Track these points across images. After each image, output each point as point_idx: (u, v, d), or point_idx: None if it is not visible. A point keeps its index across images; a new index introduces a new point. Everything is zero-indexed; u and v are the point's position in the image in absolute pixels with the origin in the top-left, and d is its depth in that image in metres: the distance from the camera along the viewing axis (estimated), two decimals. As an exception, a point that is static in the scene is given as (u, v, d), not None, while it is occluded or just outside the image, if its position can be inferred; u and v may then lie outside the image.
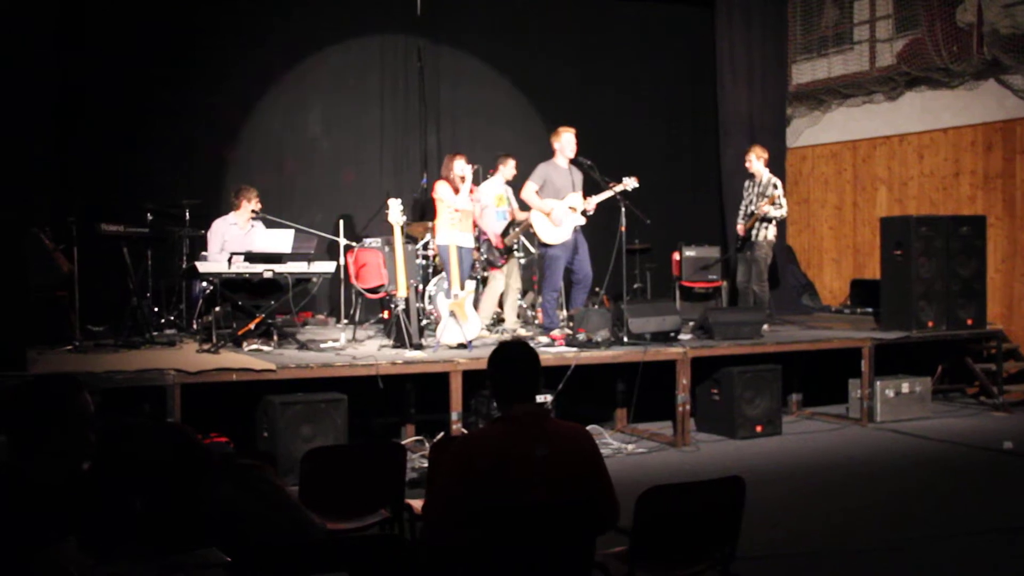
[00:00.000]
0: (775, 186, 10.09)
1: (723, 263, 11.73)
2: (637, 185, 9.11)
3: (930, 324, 9.78)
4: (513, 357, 3.58)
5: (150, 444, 3.35)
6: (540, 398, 7.73)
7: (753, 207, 10.20)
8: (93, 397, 3.04)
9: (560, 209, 8.92)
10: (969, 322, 9.98)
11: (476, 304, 9.77)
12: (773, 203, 9.96)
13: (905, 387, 9.58)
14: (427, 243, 9.73)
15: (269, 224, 9.28)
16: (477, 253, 9.73)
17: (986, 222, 10.34)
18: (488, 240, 9.63)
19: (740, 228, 10.34)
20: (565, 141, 9.05)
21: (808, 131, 13.24)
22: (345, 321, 9.58)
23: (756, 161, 10.28)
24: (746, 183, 10.43)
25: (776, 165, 12.73)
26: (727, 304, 11.49)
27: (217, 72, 10.48)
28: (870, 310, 10.88)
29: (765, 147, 10.49)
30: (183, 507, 3.16)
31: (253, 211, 9.30)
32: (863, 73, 12.20)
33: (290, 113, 11.05)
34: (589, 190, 9.26)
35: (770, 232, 10.09)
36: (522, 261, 10.06)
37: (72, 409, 2.97)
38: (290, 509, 3.35)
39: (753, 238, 10.14)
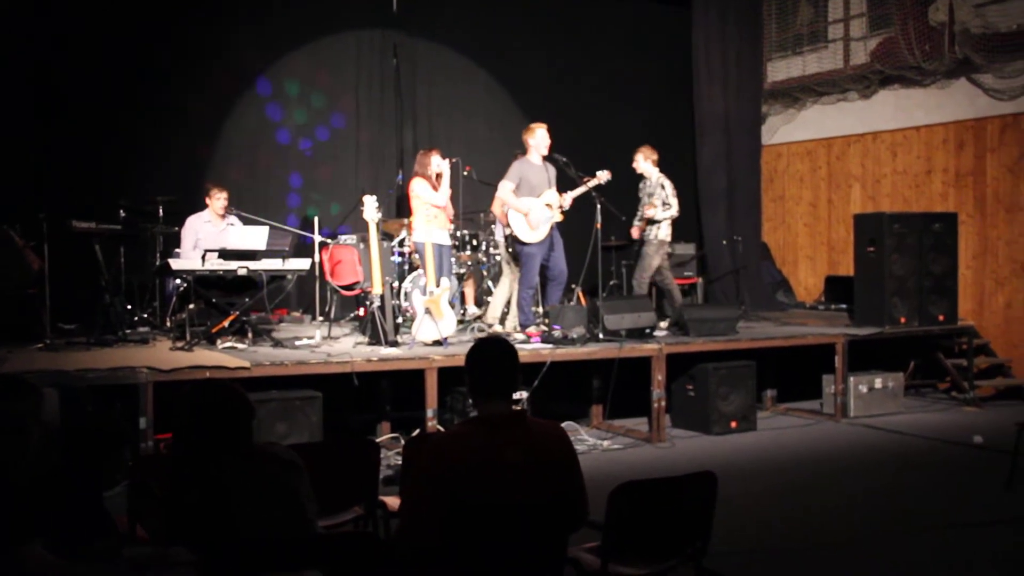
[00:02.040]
0: (662, 187, 9.78)
1: (699, 260, 11.77)
2: (610, 178, 9.14)
3: (902, 320, 9.86)
4: (491, 354, 3.54)
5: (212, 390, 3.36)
6: (516, 395, 7.74)
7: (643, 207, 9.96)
8: (73, 395, 3.03)
9: (538, 208, 8.91)
10: (941, 318, 10.08)
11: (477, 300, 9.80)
12: (655, 205, 9.68)
13: (878, 382, 9.66)
14: (403, 240, 9.71)
15: (245, 221, 9.24)
16: (469, 257, 9.75)
17: (958, 219, 10.44)
18: (513, 235, 9.61)
19: (635, 231, 10.01)
20: (539, 137, 9.01)
21: (783, 128, 13.31)
22: (320, 318, 9.55)
23: (643, 162, 9.88)
24: (640, 184, 10.01)
25: (752, 162, 12.83)
26: (703, 301, 11.54)
27: (192, 68, 10.40)
28: (844, 306, 10.96)
29: (654, 148, 10.02)
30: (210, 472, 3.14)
31: (225, 207, 9.26)
32: (837, 71, 12.28)
33: (265, 109, 10.99)
34: (564, 186, 9.27)
35: (662, 231, 9.81)
36: (497, 257, 10.06)
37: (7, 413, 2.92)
38: (301, 512, 3.31)
39: (646, 237, 9.82)
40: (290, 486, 3.28)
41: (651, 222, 9.76)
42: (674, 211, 9.76)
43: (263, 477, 3.24)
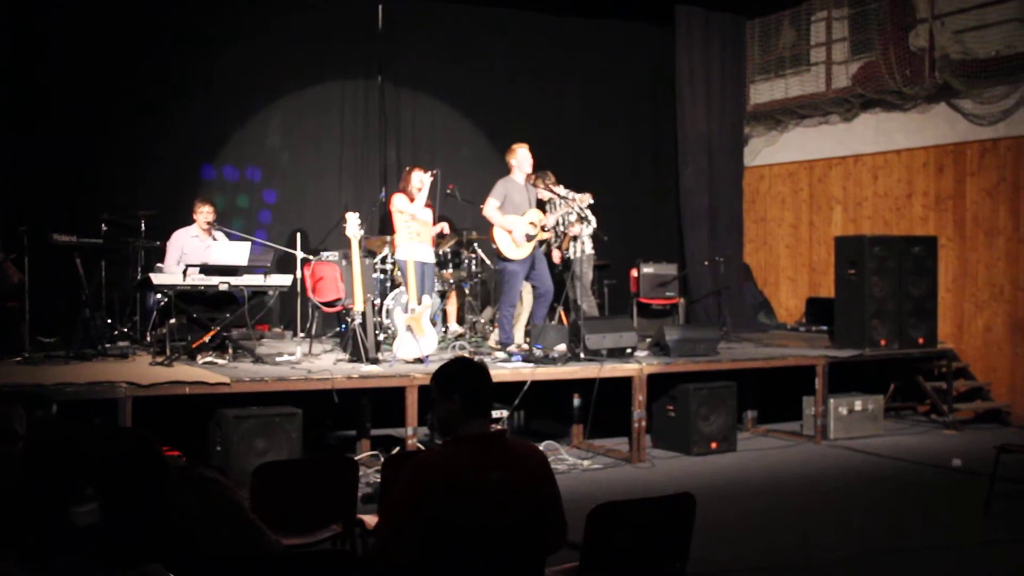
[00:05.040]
0: (586, 205, 9.47)
1: (681, 280, 11.81)
2: (592, 201, 9.17)
3: (882, 342, 9.92)
4: (466, 374, 3.54)
5: (104, 446, 3.30)
6: (496, 413, 7.75)
7: (563, 227, 9.83)
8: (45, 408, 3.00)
9: (522, 227, 8.91)
10: (920, 341, 10.14)
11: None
12: (583, 221, 9.53)
13: (858, 405, 9.69)
14: (385, 257, 9.71)
15: (230, 238, 9.22)
16: (452, 274, 9.72)
17: (937, 243, 10.53)
18: (497, 252, 9.57)
19: (556, 255, 9.90)
20: (521, 157, 9.04)
21: (765, 150, 13.39)
22: (301, 335, 9.52)
23: (544, 189, 9.45)
24: (547, 207, 9.63)
25: (734, 183, 12.91)
26: (684, 321, 11.57)
27: (176, 82, 10.39)
28: (825, 328, 10.99)
29: (547, 171, 9.75)
30: (136, 514, 3.11)
31: (208, 222, 9.25)
32: (819, 94, 12.37)
33: (249, 125, 10.98)
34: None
35: (587, 246, 9.79)
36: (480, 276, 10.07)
37: None
38: (246, 525, 3.32)
39: (574, 255, 9.65)
40: (242, 504, 3.29)
41: (574, 239, 9.67)
42: (594, 223, 9.65)
43: (218, 499, 3.24)
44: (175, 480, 3.24)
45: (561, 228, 9.83)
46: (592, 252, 9.93)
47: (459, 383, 3.47)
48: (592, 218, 9.58)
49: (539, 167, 9.20)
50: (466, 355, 8.67)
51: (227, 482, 3.37)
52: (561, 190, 9.56)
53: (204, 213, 9.27)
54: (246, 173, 10.97)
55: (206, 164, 10.75)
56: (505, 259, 9.03)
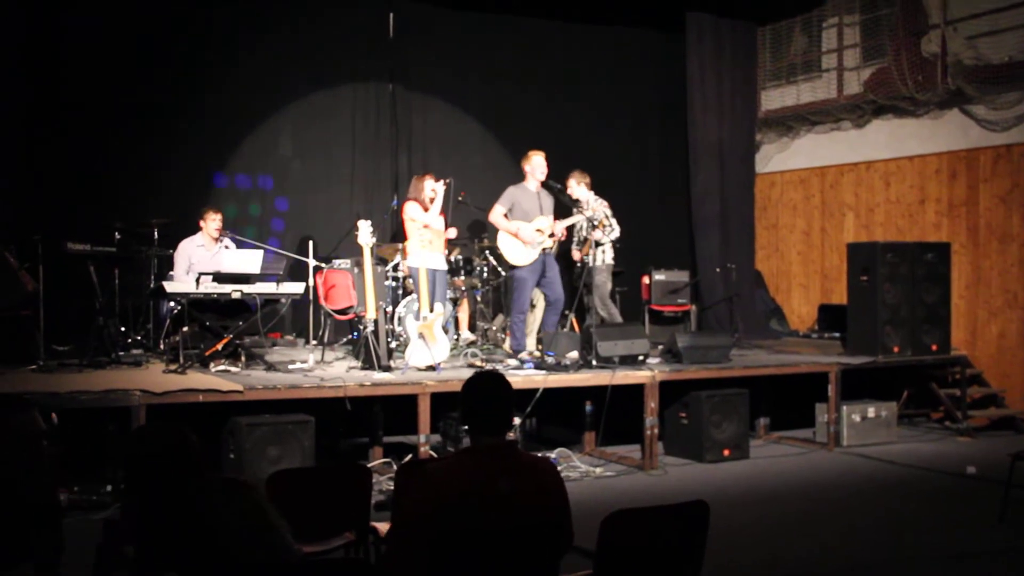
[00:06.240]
0: (605, 213, 9.61)
1: (692, 287, 11.79)
2: (608, 211, 9.17)
3: (895, 349, 9.88)
4: (486, 391, 3.55)
5: (137, 447, 3.32)
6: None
7: (584, 233, 9.85)
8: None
9: (527, 230, 8.91)
10: (934, 348, 10.10)
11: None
12: (602, 228, 9.52)
13: (871, 412, 9.66)
14: (397, 265, 9.72)
15: (239, 245, 9.25)
16: (464, 282, 9.73)
17: (950, 249, 10.49)
18: (503, 258, 9.60)
19: (576, 254, 9.90)
20: (535, 164, 9.05)
21: (777, 157, 13.37)
22: (314, 342, 9.54)
23: (578, 187, 9.76)
24: (574, 210, 9.58)
25: (745, 190, 12.88)
26: (696, 328, 11.55)
27: (188, 91, 10.42)
28: (837, 335, 10.97)
29: (585, 171, 9.92)
30: (161, 524, 3.11)
31: (219, 230, 9.28)
32: (831, 100, 12.36)
33: (261, 134, 11.02)
34: (560, 214, 9.29)
35: (607, 256, 9.77)
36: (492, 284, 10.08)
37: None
38: (271, 528, 3.31)
39: (591, 263, 9.61)
40: (268, 510, 3.30)
41: (596, 245, 9.63)
42: (617, 232, 9.70)
43: (238, 502, 3.25)
44: (201, 483, 3.26)
45: (584, 234, 9.83)
46: (612, 262, 9.89)
47: (465, 399, 3.52)
48: (616, 226, 9.60)
49: (551, 175, 9.19)
50: (479, 364, 8.67)
51: (253, 482, 3.38)
52: (589, 195, 9.55)
53: (215, 221, 9.30)
54: (258, 181, 11.01)
55: (217, 172, 10.80)
56: (511, 265, 9.05)
